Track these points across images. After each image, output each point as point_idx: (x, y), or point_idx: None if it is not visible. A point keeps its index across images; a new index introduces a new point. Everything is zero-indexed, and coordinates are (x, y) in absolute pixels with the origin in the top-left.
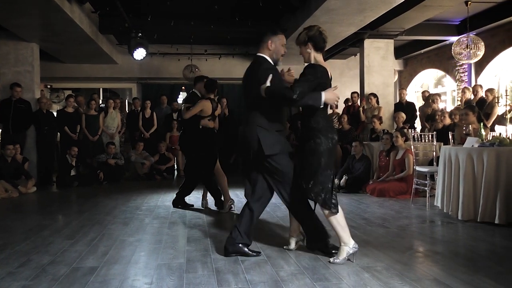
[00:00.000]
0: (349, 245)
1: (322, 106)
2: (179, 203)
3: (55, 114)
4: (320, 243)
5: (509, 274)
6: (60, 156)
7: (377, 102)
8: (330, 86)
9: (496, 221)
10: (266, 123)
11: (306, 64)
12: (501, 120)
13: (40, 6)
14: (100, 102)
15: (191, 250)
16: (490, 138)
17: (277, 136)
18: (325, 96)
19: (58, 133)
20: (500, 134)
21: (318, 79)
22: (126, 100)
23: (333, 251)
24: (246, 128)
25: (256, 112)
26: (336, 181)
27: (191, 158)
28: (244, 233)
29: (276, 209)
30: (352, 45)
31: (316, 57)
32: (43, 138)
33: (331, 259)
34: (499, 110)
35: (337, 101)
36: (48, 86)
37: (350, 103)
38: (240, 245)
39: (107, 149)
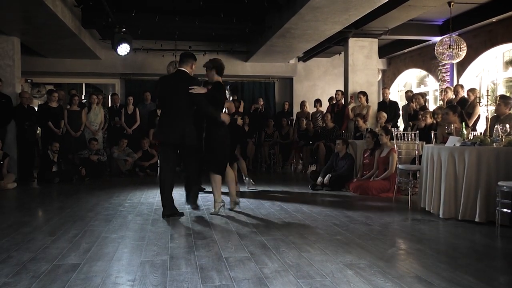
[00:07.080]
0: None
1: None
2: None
3: (36, 109)
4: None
5: (488, 271)
6: (41, 152)
7: (367, 100)
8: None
9: (477, 219)
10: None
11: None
12: None
13: None
14: (83, 97)
15: (175, 247)
16: (472, 137)
17: None
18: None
19: (39, 128)
20: (481, 133)
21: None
22: (109, 96)
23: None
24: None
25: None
26: (319, 178)
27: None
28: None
29: (259, 206)
30: (336, 43)
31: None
32: (24, 134)
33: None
34: (480, 110)
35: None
36: (29, 81)
37: (334, 102)
38: None
39: (89, 145)
